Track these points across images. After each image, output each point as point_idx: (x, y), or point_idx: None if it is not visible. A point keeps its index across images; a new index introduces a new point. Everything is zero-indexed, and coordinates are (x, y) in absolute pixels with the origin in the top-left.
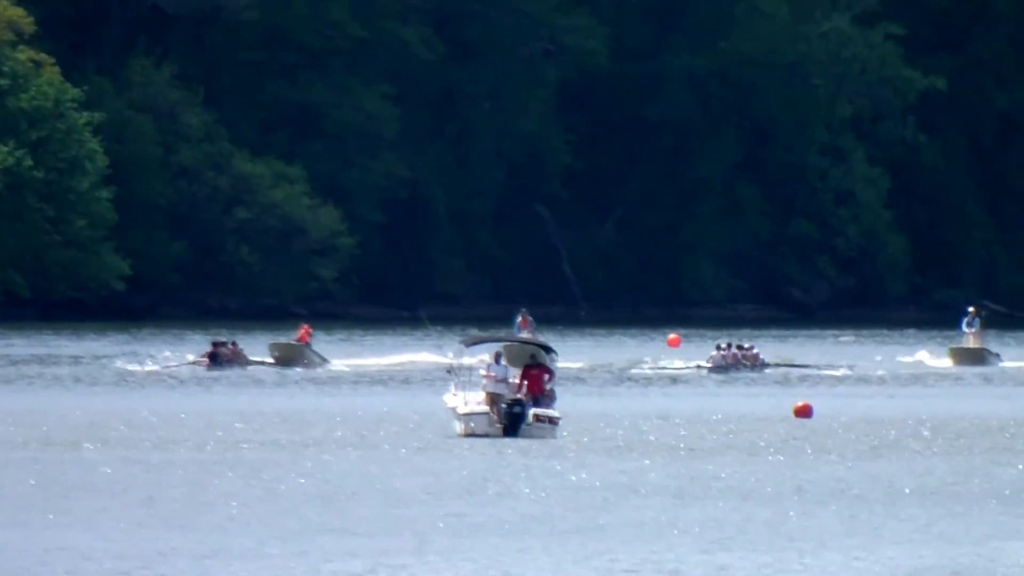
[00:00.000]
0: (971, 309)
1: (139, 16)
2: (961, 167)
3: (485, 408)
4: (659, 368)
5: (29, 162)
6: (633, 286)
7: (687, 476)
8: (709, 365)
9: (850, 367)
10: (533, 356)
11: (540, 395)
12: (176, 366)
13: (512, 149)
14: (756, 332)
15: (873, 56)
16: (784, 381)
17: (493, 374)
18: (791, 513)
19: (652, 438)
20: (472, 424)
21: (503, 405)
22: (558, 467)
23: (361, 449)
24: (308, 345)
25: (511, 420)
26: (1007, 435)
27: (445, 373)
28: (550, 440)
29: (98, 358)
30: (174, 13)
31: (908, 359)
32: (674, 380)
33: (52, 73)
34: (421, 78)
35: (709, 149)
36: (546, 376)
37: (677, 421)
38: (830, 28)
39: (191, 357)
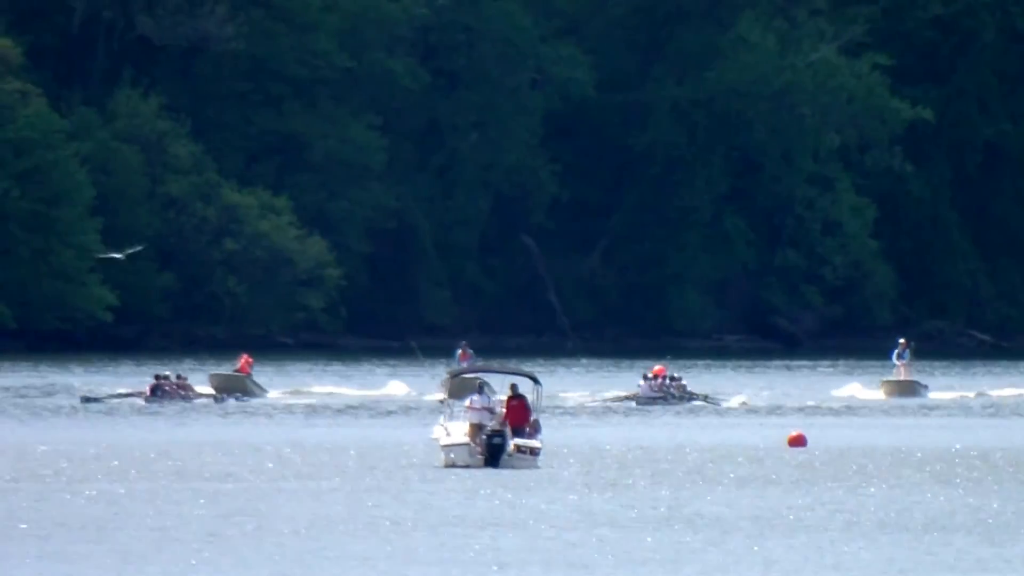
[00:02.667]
0: (901, 341)
1: (126, 47)
2: (947, 197)
3: (466, 439)
4: (588, 399)
5: (16, 193)
6: (620, 316)
7: (672, 506)
8: (637, 395)
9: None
10: (513, 387)
11: (523, 426)
12: (109, 398)
13: (498, 179)
14: (741, 363)
15: (860, 86)
16: (731, 412)
17: (477, 404)
18: (763, 544)
19: (637, 469)
20: (452, 455)
21: (483, 436)
22: (537, 498)
23: (330, 480)
24: (249, 376)
25: (491, 451)
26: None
27: (438, 404)
28: (531, 470)
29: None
30: (161, 44)
31: (840, 392)
32: (605, 410)
33: (39, 104)
34: (407, 108)
35: (695, 179)
36: (528, 406)
37: (658, 452)
38: (817, 58)
39: (122, 390)
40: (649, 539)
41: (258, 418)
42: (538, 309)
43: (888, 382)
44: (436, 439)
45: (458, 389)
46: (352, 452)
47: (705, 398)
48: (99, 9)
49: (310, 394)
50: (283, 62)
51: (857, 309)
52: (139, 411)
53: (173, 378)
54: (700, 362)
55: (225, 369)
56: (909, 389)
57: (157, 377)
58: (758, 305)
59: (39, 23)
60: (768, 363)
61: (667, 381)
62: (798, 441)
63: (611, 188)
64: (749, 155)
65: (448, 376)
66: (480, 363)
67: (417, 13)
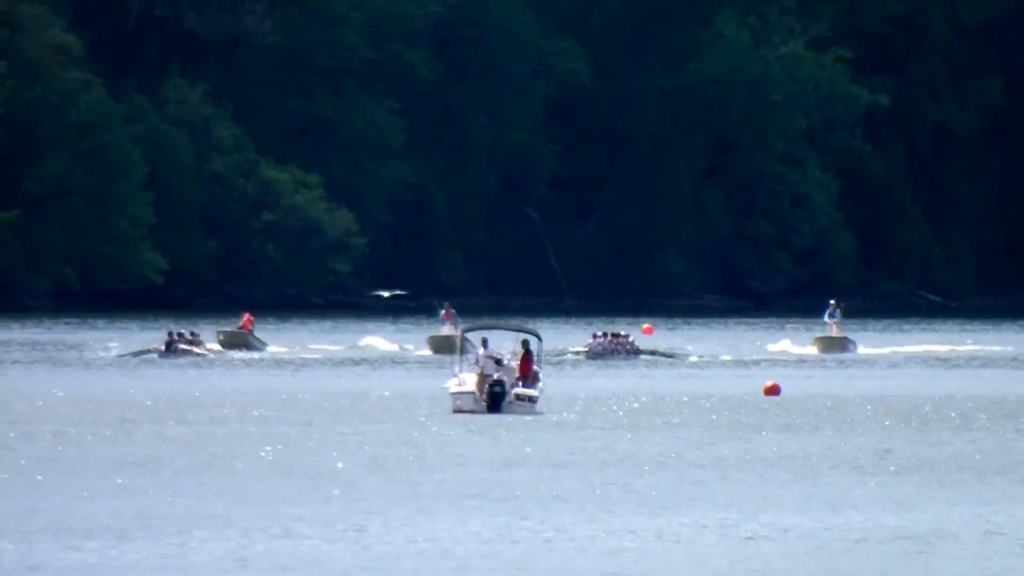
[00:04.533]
0: (832, 302)
1: (175, 41)
2: (902, 173)
3: (471, 388)
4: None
5: (79, 170)
6: (612, 278)
7: (652, 449)
8: (586, 351)
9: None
10: (525, 342)
11: (526, 377)
12: (128, 355)
13: (504, 157)
14: (719, 320)
15: (824, 76)
16: (688, 366)
17: (485, 356)
18: (742, 481)
19: (623, 415)
20: (459, 402)
21: (486, 385)
22: (541, 439)
23: (344, 425)
24: (251, 332)
25: (492, 398)
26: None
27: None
28: (529, 415)
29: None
30: (206, 38)
31: (773, 347)
32: (556, 364)
33: (98, 91)
34: (424, 95)
35: (679, 158)
36: (533, 360)
37: (644, 399)
38: (786, 51)
39: (147, 346)
40: (650, 480)
41: (268, 369)
42: (540, 272)
43: (820, 338)
44: (447, 388)
45: (463, 345)
46: (361, 400)
47: (652, 353)
48: (152, 7)
49: (308, 349)
50: (314, 54)
51: (822, 272)
52: (157, 364)
53: (187, 335)
54: (667, 320)
55: (230, 326)
56: (838, 345)
57: (171, 334)
58: (734, 268)
59: (99, 20)
60: (729, 320)
61: (616, 338)
62: (773, 390)
63: (604, 165)
64: (726, 136)
65: (460, 333)
66: (463, 324)
67: (432, 10)
